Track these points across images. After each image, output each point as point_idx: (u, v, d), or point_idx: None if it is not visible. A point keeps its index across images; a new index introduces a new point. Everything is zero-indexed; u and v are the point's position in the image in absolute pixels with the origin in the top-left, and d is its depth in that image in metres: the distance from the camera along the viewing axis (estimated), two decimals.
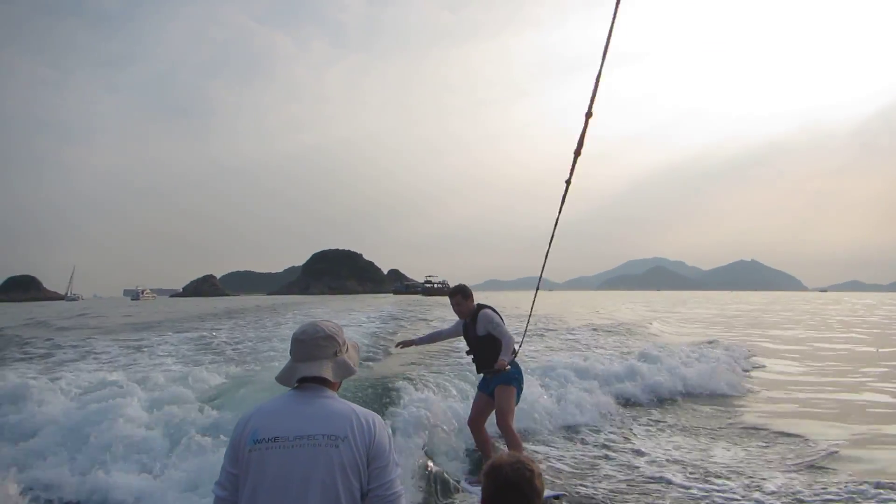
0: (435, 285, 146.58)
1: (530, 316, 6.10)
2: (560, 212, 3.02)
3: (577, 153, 2.56)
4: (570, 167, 2.70)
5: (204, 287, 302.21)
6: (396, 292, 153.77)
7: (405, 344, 5.96)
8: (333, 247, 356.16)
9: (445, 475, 5.68)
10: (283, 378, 2.24)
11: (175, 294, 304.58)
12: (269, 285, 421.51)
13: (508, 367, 5.11)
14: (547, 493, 5.18)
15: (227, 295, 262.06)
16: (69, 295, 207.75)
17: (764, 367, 14.05)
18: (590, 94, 2.48)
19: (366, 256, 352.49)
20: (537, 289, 5.07)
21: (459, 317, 5.64)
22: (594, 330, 21.89)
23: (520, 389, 5.46)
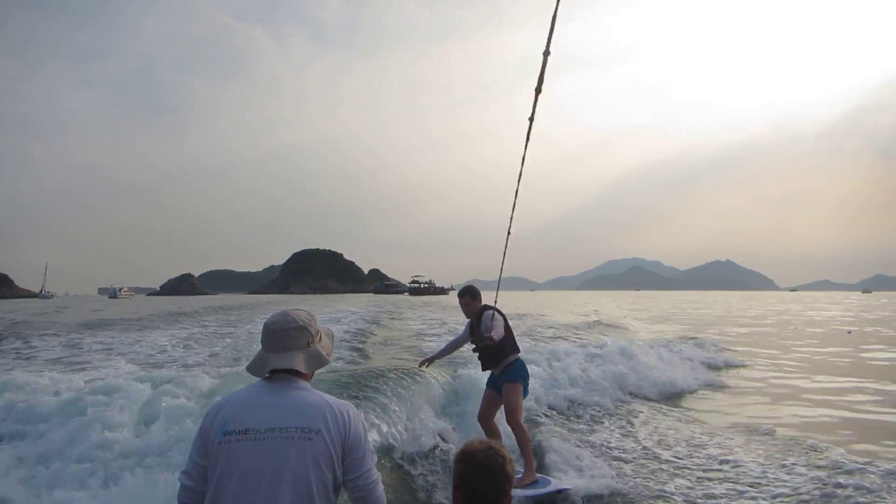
0: (422, 285, 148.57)
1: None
2: (525, 149, 3.14)
3: (538, 91, 2.67)
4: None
5: (182, 286, 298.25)
6: (377, 292, 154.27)
7: (428, 362, 6.12)
8: (314, 246, 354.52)
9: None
10: (253, 368, 2.20)
11: (152, 293, 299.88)
12: (249, 284, 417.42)
13: (493, 336, 5.30)
14: (556, 485, 5.41)
15: (206, 294, 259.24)
16: (44, 293, 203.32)
17: (733, 362, 14.80)
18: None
19: (346, 256, 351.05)
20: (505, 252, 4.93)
21: (467, 317, 5.82)
22: (571, 327, 22.65)
23: (526, 386, 5.67)
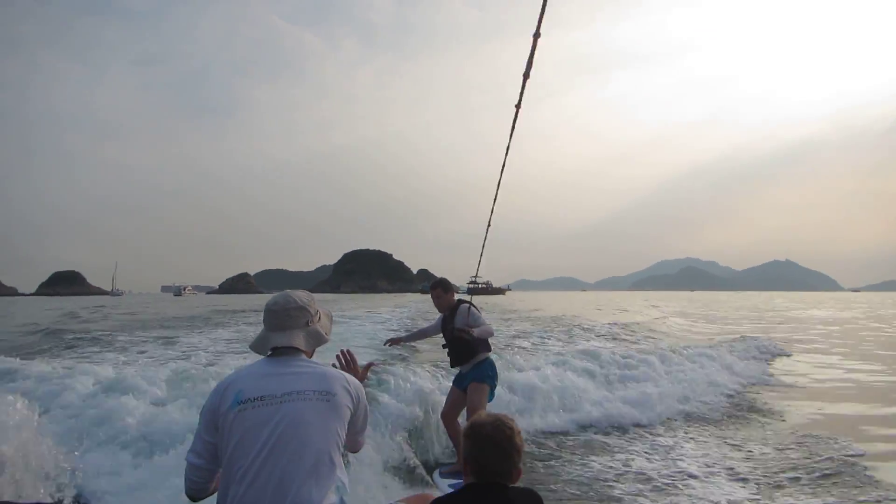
0: (479, 285, 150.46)
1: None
2: (510, 138, 2.94)
3: (526, 76, 2.52)
4: (520, 97, 2.65)
5: (239, 285, 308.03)
6: (423, 292, 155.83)
7: (393, 342, 5.89)
8: (364, 247, 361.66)
9: (419, 468, 5.72)
10: (256, 346, 2.30)
11: (211, 291, 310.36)
12: (302, 284, 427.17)
13: (473, 332, 5.16)
14: None
15: (262, 293, 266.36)
16: (115, 290, 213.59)
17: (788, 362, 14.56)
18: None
19: (396, 256, 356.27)
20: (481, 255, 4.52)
21: (439, 310, 5.61)
22: (617, 328, 22.79)
23: (493, 388, 5.39)
